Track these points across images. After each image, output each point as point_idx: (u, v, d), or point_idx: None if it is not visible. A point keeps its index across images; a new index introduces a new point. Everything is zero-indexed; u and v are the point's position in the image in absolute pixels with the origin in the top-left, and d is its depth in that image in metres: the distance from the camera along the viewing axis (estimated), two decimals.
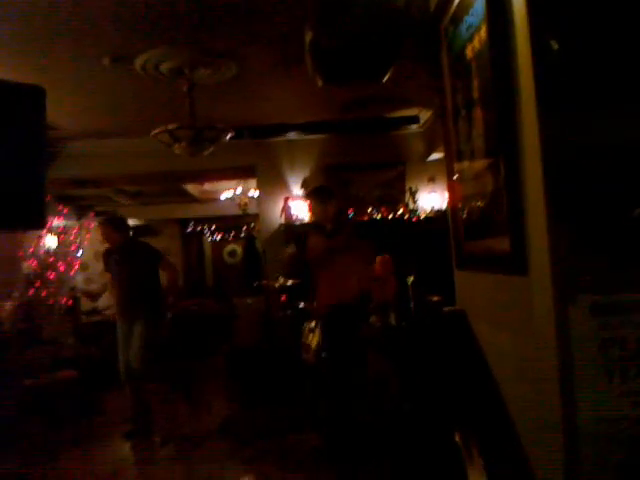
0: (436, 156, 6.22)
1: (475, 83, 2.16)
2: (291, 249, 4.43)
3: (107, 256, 4.94)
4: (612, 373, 1.61)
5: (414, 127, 6.66)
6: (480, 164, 2.24)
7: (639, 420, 1.59)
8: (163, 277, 4.98)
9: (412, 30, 2.96)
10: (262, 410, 4.86)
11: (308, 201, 4.30)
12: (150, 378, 4.73)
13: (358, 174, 6.55)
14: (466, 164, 2.49)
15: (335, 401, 3.97)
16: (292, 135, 6.72)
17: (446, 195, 5.56)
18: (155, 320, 4.70)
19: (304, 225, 6.42)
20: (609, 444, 1.60)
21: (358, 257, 3.93)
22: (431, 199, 6.53)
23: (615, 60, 1.61)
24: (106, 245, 4.97)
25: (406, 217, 6.39)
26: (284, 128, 6.65)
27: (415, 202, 6.55)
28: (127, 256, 4.78)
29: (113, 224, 4.91)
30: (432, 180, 6.57)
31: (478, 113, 2.17)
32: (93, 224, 8.62)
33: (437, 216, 6.25)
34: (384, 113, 6.39)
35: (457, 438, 2.41)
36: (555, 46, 1.62)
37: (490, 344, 2.42)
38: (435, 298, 4.69)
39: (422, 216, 6.42)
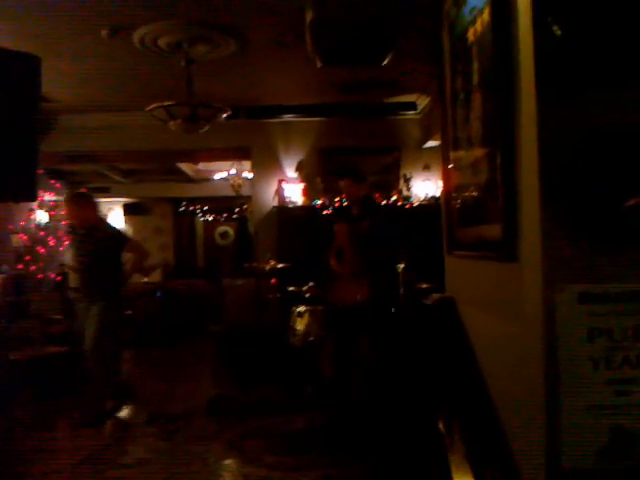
0: (432, 144, 6.21)
1: (475, 67, 2.14)
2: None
3: (71, 232, 4.66)
4: (598, 361, 1.61)
5: (411, 113, 6.65)
6: (476, 151, 2.23)
7: (622, 408, 1.60)
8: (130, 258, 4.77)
9: (413, 12, 2.93)
10: (250, 390, 4.87)
11: (341, 181, 4.33)
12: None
13: (353, 158, 6.51)
14: (462, 150, 2.48)
15: (330, 385, 4.01)
16: (288, 117, 6.69)
17: (440, 183, 5.58)
18: (113, 304, 4.49)
19: (298, 208, 6.42)
20: (592, 432, 1.61)
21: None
22: (425, 187, 6.54)
23: (617, 48, 1.60)
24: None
25: (399, 204, 6.40)
26: (280, 109, 6.62)
27: (409, 189, 6.55)
28: (90, 237, 4.45)
29: (79, 201, 4.58)
30: (427, 168, 6.58)
31: (477, 97, 2.15)
32: None
33: (430, 203, 6.25)
34: (382, 98, 6.36)
35: (440, 425, 2.43)
36: (558, 32, 1.61)
37: (478, 330, 2.43)
38: (424, 285, 4.72)
39: (415, 203, 6.43)
